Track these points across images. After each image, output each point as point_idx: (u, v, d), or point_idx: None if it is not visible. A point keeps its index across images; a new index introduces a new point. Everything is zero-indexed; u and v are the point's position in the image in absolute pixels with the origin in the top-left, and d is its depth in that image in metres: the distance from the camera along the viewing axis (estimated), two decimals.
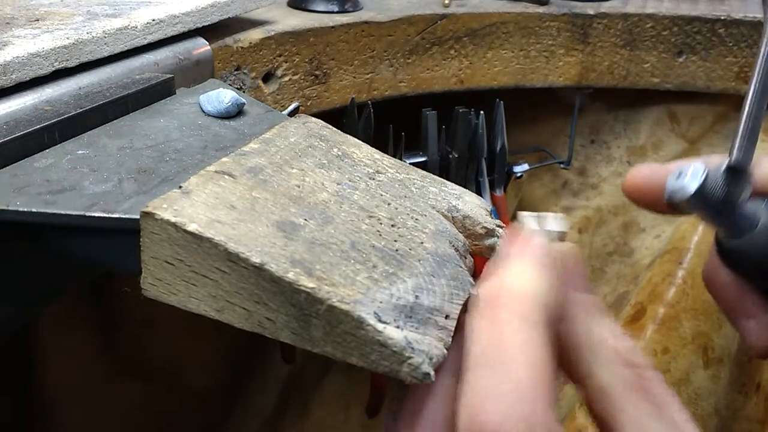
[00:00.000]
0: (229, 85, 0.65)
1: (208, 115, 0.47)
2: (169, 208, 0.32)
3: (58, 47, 0.48)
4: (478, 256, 0.40)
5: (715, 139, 1.04)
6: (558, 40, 0.93)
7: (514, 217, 1.08)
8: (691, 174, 0.38)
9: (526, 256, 0.29)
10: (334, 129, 0.45)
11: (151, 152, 0.42)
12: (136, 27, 0.54)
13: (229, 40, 0.66)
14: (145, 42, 0.55)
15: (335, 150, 0.42)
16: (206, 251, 0.31)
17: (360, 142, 0.44)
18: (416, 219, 0.37)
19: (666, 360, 0.87)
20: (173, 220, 0.31)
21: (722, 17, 0.93)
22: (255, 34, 0.70)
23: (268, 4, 0.71)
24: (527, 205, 1.11)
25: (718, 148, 1.04)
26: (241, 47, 0.67)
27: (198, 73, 0.61)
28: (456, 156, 0.89)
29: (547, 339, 0.27)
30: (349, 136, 0.44)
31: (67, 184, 0.37)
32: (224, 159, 0.37)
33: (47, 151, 0.41)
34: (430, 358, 0.30)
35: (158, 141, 0.43)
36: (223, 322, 0.32)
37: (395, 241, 0.35)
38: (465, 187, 0.44)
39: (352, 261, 0.32)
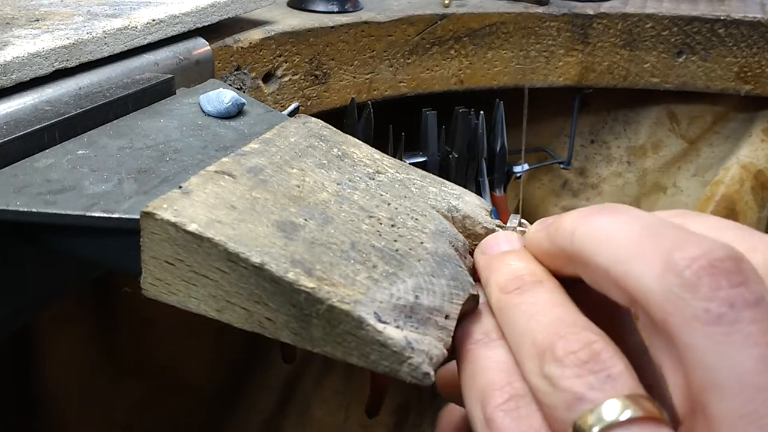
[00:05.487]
0: (229, 85, 0.65)
1: (208, 115, 0.47)
2: (169, 208, 0.32)
3: (58, 47, 0.48)
4: None
5: (714, 139, 1.04)
6: (558, 40, 0.93)
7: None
8: None
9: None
10: (334, 129, 0.45)
11: (151, 152, 0.42)
12: (136, 27, 0.54)
13: (229, 40, 0.66)
14: (145, 42, 0.56)
15: (335, 150, 0.42)
16: (206, 251, 0.31)
17: (360, 142, 0.44)
18: (416, 219, 0.37)
19: None
20: (173, 220, 0.31)
21: (722, 17, 0.93)
22: (255, 34, 0.70)
23: (268, 4, 0.71)
24: (527, 205, 1.11)
25: (718, 147, 1.04)
26: (241, 47, 0.67)
27: (198, 73, 0.61)
28: (456, 156, 0.89)
29: None
30: (349, 136, 0.44)
31: (67, 184, 0.37)
32: (224, 159, 0.37)
33: (47, 151, 0.41)
34: (430, 358, 0.30)
35: (158, 141, 0.43)
36: (223, 322, 0.32)
37: (395, 241, 0.35)
38: (465, 187, 0.44)
39: (352, 261, 0.32)
